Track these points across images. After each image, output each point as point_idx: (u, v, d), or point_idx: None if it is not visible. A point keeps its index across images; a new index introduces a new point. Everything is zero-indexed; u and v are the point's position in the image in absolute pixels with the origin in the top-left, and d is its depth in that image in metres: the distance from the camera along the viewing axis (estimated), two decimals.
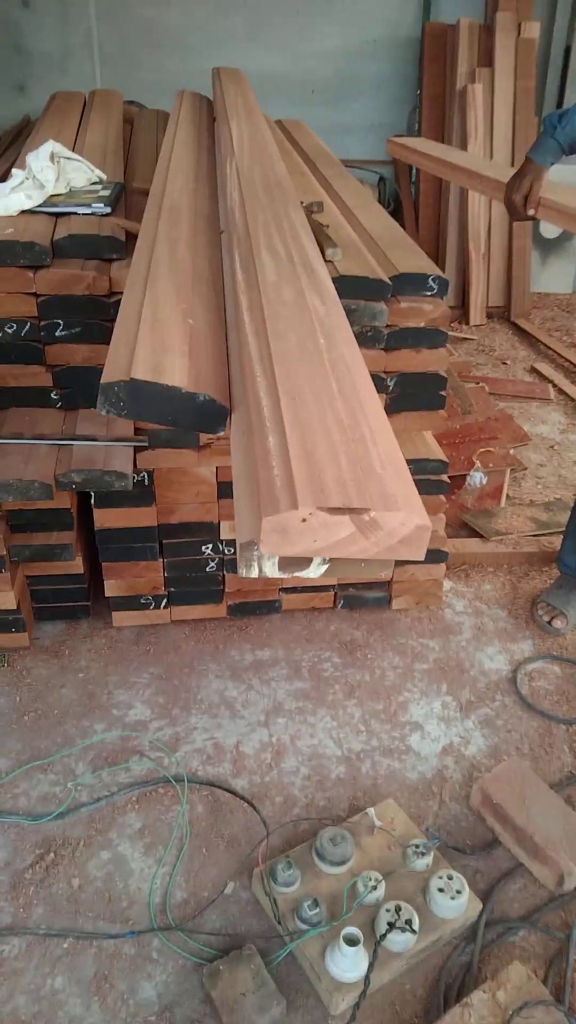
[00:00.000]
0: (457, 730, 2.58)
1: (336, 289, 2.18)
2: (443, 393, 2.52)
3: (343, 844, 2.08)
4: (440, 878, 2.04)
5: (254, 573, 0.99)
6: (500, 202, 2.70)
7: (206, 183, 2.41)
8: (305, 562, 1.00)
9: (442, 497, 2.71)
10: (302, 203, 2.69)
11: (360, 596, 2.92)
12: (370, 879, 2.03)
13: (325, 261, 2.35)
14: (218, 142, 2.92)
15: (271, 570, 1.00)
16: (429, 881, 2.04)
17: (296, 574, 1.01)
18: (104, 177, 2.73)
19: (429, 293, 2.40)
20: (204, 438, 2.40)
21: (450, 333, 5.46)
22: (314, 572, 1.01)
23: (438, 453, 2.67)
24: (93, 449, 2.23)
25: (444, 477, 2.69)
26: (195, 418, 1.24)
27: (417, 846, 2.11)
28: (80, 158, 2.66)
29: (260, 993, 1.86)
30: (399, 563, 2.83)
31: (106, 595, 2.73)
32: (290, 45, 6.00)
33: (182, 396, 1.23)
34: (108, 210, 2.44)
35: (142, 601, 2.74)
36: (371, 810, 2.21)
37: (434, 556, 2.83)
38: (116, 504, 2.47)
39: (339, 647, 2.85)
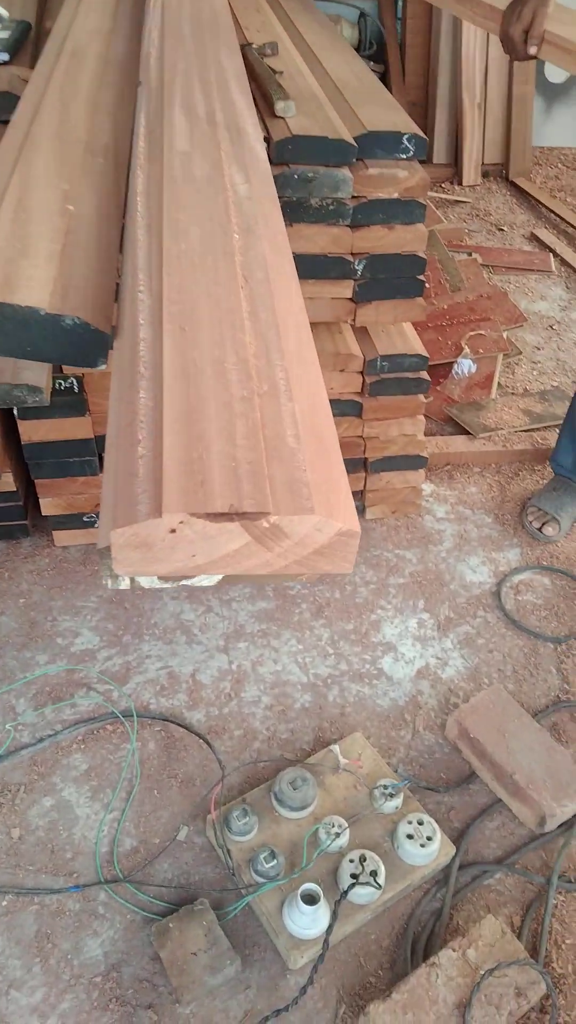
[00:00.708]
0: (434, 651, 2.39)
1: (287, 153, 1.81)
2: (421, 278, 2.17)
3: (304, 787, 1.91)
4: (410, 823, 1.88)
5: (123, 584, 0.73)
6: (496, 35, 2.25)
7: (128, 21, 1.98)
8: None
9: (420, 398, 2.41)
10: (252, 44, 2.25)
11: None
12: (333, 826, 1.87)
13: (275, 117, 1.96)
14: None
15: (148, 582, 0.73)
16: (398, 826, 1.89)
17: (184, 583, 0.74)
18: (6, 15, 2.26)
19: (404, 156, 2.01)
20: None
21: (442, 195, 4.96)
22: (206, 582, 0.74)
23: (416, 347, 2.34)
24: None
25: (423, 374, 2.38)
26: (63, 349, 0.94)
27: (385, 787, 1.95)
28: None
29: (212, 952, 1.73)
30: (372, 470, 2.56)
31: (43, 514, 2.47)
32: None
33: (42, 319, 0.92)
34: (6, 57, 2.00)
35: (85, 519, 2.48)
36: (335, 747, 2.03)
37: (412, 462, 2.55)
38: (44, 415, 2.18)
39: None
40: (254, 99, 2.07)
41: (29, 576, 2.52)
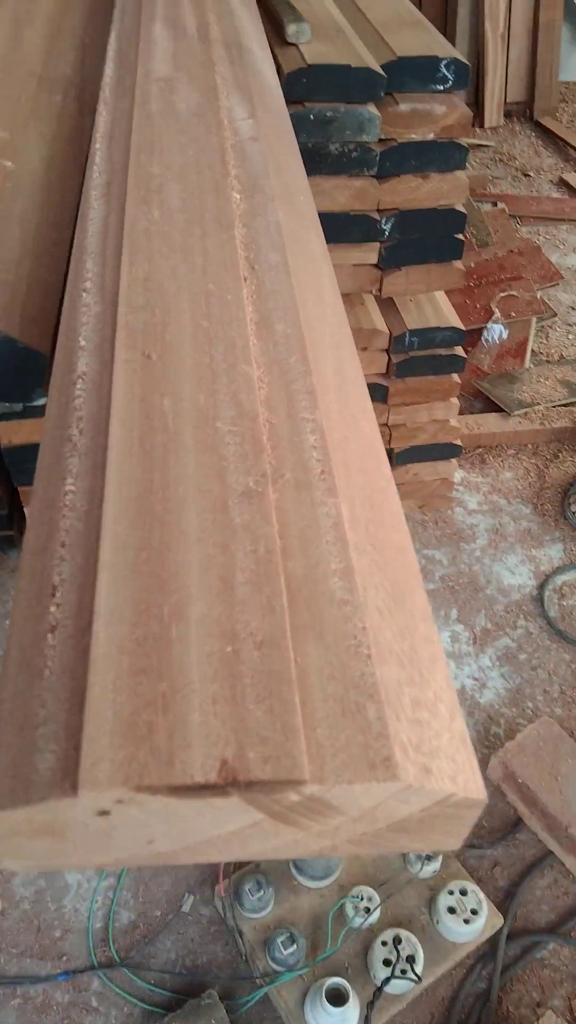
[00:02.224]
0: (470, 670, 2.09)
1: (301, 88, 1.46)
2: (460, 237, 1.82)
3: None
4: (451, 893, 1.60)
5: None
6: None
7: (85, 12, 1.59)
8: None
9: (454, 378, 2.06)
10: None
11: None
12: (362, 899, 1.59)
13: (286, 45, 1.58)
14: None
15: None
16: (437, 896, 1.61)
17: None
18: None
19: (441, 88, 1.64)
20: None
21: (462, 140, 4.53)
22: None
23: (451, 318, 1.99)
24: None
25: (459, 350, 2.03)
26: None
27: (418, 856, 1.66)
28: None
29: None
30: (398, 462, 2.23)
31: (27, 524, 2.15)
32: None
33: None
34: None
35: None
36: None
37: (444, 451, 2.22)
38: (24, 415, 1.84)
39: None
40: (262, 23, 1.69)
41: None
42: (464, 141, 1.72)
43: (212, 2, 1.06)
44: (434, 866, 1.65)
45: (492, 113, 4.62)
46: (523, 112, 4.75)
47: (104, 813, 0.32)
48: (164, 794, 0.31)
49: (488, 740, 1.95)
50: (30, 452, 1.95)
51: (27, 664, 0.37)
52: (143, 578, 0.37)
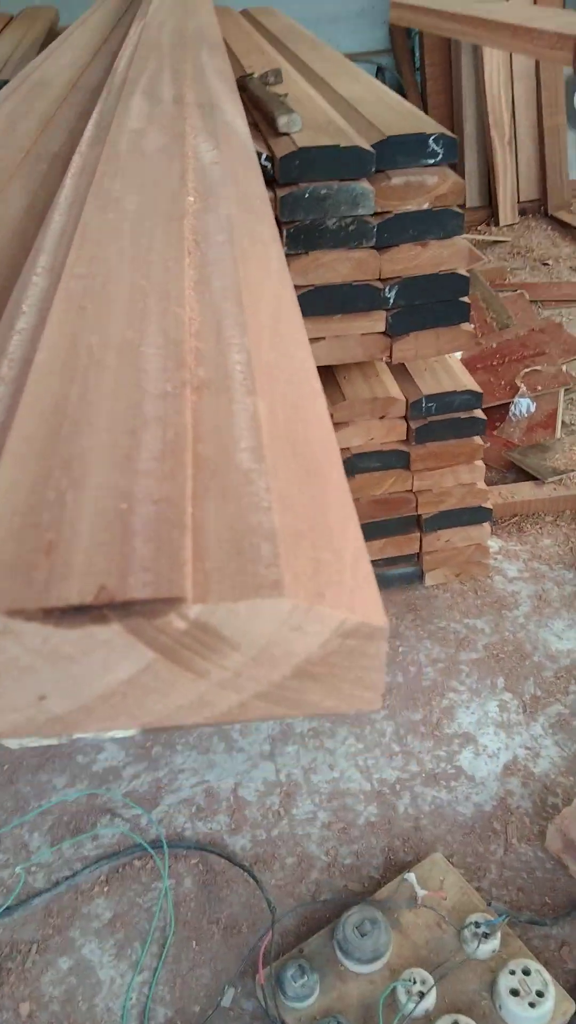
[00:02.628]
0: (522, 739, 1.99)
1: (295, 170, 1.55)
2: (466, 300, 1.86)
3: (374, 932, 1.52)
4: (512, 974, 1.47)
5: None
6: (569, 65, 1.96)
7: (110, 58, 1.76)
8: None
9: (477, 439, 2.07)
10: (252, 74, 2.02)
11: (382, 574, 2.31)
12: (415, 983, 1.47)
13: (279, 136, 1.70)
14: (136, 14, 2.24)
15: (16, 743, 0.40)
16: (498, 977, 1.48)
17: (75, 736, 0.41)
18: None
19: (432, 161, 1.72)
20: None
21: (478, 237, 4.70)
22: (119, 733, 0.41)
23: (466, 382, 2.01)
24: None
25: (478, 412, 2.04)
26: None
27: (478, 925, 1.55)
28: None
29: None
30: (428, 529, 2.21)
31: None
32: None
33: None
34: None
35: None
36: (411, 875, 1.64)
37: (474, 515, 2.19)
38: None
39: None
40: (255, 123, 1.82)
41: None
42: (462, 211, 1.79)
43: (191, 80, 1.15)
44: (492, 945, 1.53)
45: (507, 212, 4.81)
46: (537, 209, 4.93)
47: None
48: (39, 620, 0.30)
49: (546, 812, 1.83)
50: None
51: None
52: (46, 460, 0.38)
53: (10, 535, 0.34)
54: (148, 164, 0.77)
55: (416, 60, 5.27)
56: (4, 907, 1.70)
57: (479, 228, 4.81)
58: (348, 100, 1.98)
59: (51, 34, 3.47)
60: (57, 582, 0.31)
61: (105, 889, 1.73)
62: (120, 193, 0.70)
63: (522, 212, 4.91)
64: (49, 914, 1.70)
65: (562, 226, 4.73)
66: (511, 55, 4.63)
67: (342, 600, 0.33)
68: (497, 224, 4.80)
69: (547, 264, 4.32)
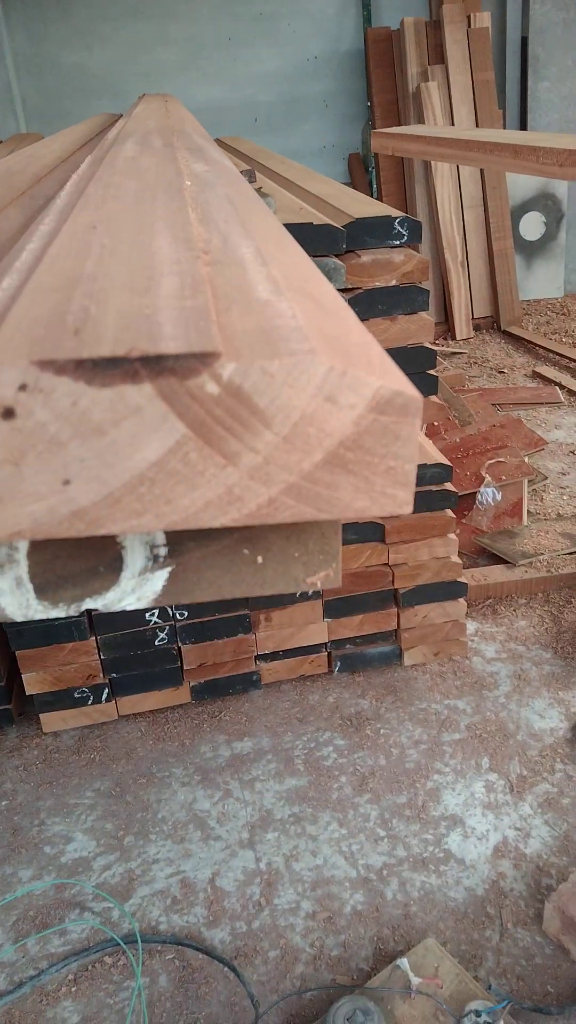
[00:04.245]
0: (510, 820, 1.91)
1: None
2: (433, 373, 1.93)
3: None
4: None
5: None
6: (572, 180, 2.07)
7: (71, 169, 1.87)
8: (98, 568, 0.38)
9: (450, 512, 2.09)
10: None
11: (361, 653, 2.27)
12: None
13: None
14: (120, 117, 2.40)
15: (17, 604, 0.38)
16: None
17: (87, 605, 0.39)
18: None
19: (397, 242, 1.82)
20: None
21: (437, 347, 4.91)
22: (131, 596, 0.39)
23: (435, 455, 2.05)
24: None
25: (448, 485, 2.07)
26: None
27: (478, 1013, 1.43)
28: None
29: None
30: (404, 604, 2.19)
31: (27, 693, 2.08)
32: (227, 73, 5.62)
33: None
34: None
35: (76, 695, 2.09)
36: (403, 961, 1.53)
37: (450, 590, 2.19)
38: None
39: (341, 724, 2.18)
40: None
41: (14, 773, 2.09)
42: (427, 287, 1.88)
43: (177, 135, 1.22)
44: None
45: (462, 326, 5.05)
46: (491, 324, 5.19)
47: (8, 414, 0.29)
48: (71, 375, 0.28)
49: (540, 893, 1.74)
50: None
51: None
52: (65, 291, 0.37)
53: (38, 323, 0.32)
54: (144, 170, 0.80)
55: (373, 191, 5.66)
56: None
57: (437, 341, 5.03)
58: (318, 195, 2.10)
59: None
60: (88, 345, 0.30)
61: (73, 989, 1.58)
62: (119, 180, 0.72)
63: (476, 327, 5.17)
64: (10, 1020, 1.54)
65: (515, 339, 4.97)
66: (459, 186, 4.99)
67: (375, 370, 0.32)
68: (454, 338, 5.03)
69: (503, 372, 4.51)
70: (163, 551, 0.38)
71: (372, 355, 0.34)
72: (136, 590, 0.38)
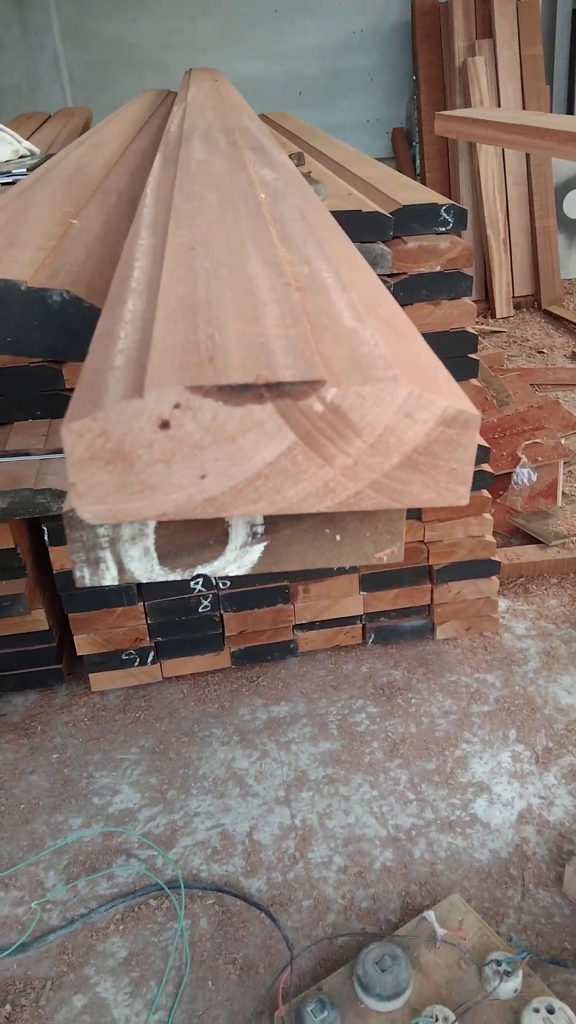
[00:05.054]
0: (535, 788, 1.99)
1: None
2: (474, 356, 1.99)
3: (395, 968, 1.51)
4: (536, 1011, 1.45)
5: (107, 577, 0.46)
6: None
7: (153, 133, 1.94)
8: (209, 542, 0.46)
9: (486, 492, 2.16)
10: None
11: (395, 626, 2.36)
12: (436, 1019, 1.45)
13: None
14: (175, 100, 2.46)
15: (144, 569, 0.46)
16: (521, 1017, 1.46)
17: (199, 571, 0.47)
18: (36, 151, 2.28)
19: (443, 229, 1.88)
20: None
21: (476, 327, 4.93)
22: (233, 564, 0.47)
23: None
24: (23, 465, 1.73)
25: (485, 466, 2.14)
26: (51, 335, 0.73)
27: (499, 963, 1.53)
28: (6, 129, 2.22)
29: None
30: (439, 580, 2.27)
31: (78, 654, 2.20)
32: (270, 46, 5.62)
33: (23, 297, 0.72)
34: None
35: (124, 657, 2.21)
36: (430, 913, 1.63)
37: (484, 568, 2.26)
38: None
39: (374, 693, 2.28)
40: None
41: (64, 729, 2.22)
42: (471, 273, 1.93)
43: (239, 134, 1.29)
44: (514, 984, 1.51)
45: (502, 305, 5.06)
46: (531, 303, 5.19)
47: (164, 425, 0.37)
48: (214, 396, 0.37)
49: (561, 858, 1.83)
50: None
51: (100, 365, 0.44)
52: (188, 321, 0.45)
53: (177, 351, 0.41)
54: (219, 177, 0.88)
55: (416, 167, 5.65)
56: (20, 943, 1.67)
57: (477, 320, 5.05)
58: (365, 180, 2.15)
59: (87, 128, 3.75)
60: (224, 373, 0.39)
61: (121, 927, 1.71)
62: (200, 191, 0.80)
63: (516, 306, 5.17)
64: (64, 951, 1.67)
65: (555, 319, 4.97)
66: (504, 163, 4.97)
67: (442, 394, 0.40)
68: (494, 316, 5.04)
69: (542, 352, 4.52)
70: (260, 529, 0.47)
71: (440, 378, 0.42)
72: (238, 560, 0.47)
